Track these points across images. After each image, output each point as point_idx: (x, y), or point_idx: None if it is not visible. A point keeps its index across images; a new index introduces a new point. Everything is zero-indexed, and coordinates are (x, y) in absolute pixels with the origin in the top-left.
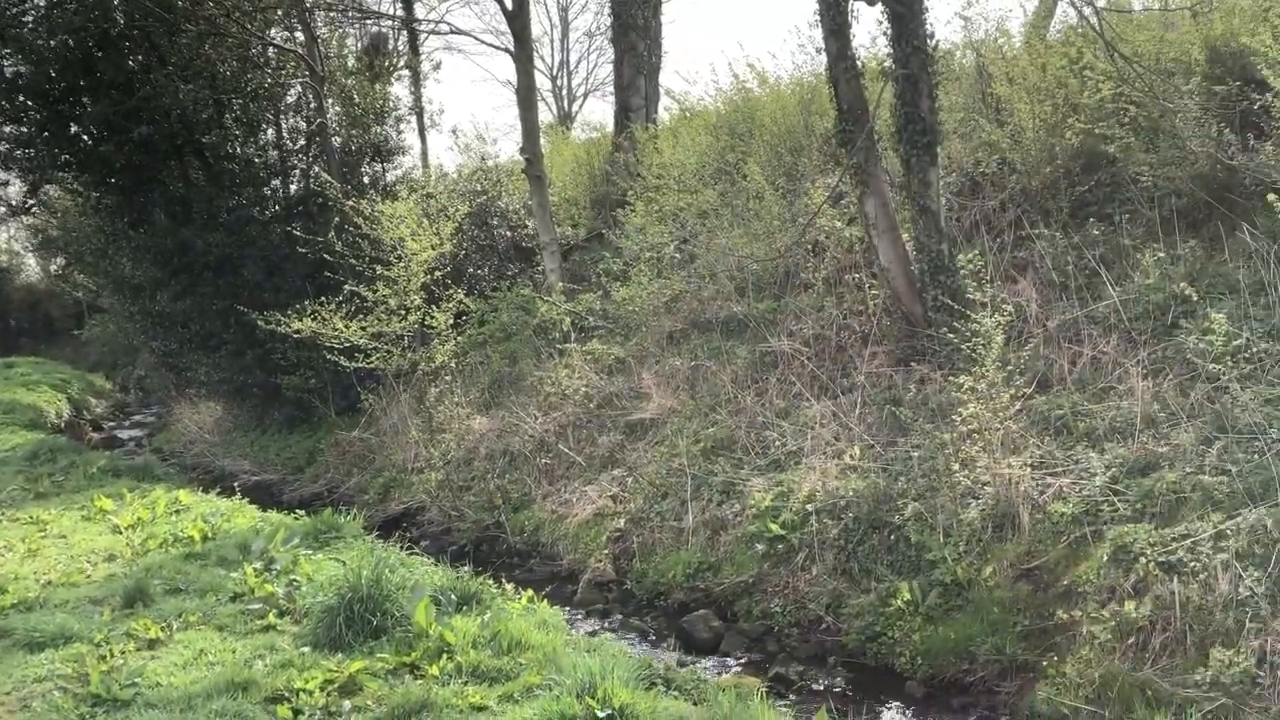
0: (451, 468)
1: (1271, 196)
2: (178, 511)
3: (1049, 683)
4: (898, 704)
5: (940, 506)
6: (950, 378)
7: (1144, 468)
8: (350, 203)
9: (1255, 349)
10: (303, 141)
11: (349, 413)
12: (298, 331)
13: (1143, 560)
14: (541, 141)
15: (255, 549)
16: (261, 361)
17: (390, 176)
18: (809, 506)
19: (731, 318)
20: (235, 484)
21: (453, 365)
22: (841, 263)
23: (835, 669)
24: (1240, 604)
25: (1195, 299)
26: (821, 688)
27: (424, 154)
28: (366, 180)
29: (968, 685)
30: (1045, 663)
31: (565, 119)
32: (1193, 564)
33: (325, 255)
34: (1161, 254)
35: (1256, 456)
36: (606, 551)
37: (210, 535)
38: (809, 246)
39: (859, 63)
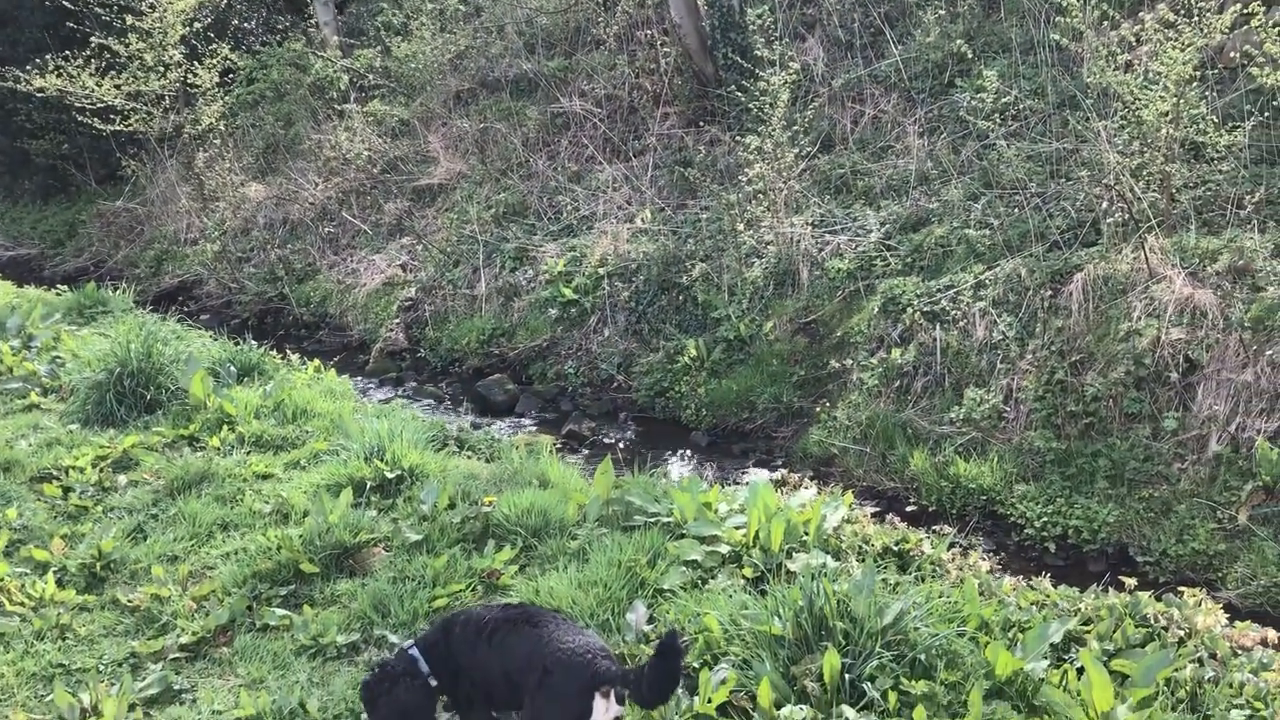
0: (228, 238)
1: None
2: None
3: (821, 426)
4: (684, 451)
5: (726, 266)
6: (739, 139)
7: (916, 223)
8: None
9: (1022, 106)
10: None
11: (111, 181)
12: (41, 90)
13: (910, 310)
14: None
15: (11, 326)
16: (2, 124)
17: None
18: (601, 270)
19: (521, 76)
20: None
21: (221, 128)
22: (633, 18)
23: (626, 424)
24: (994, 347)
25: (971, 57)
26: (612, 441)
27: None
28: None
29: (748, 432)
30: (819, 408)
31: None
32: (954, 312)
33: (66, 3)
34: (942, 11)
35: (1016, 210)
36: (398, 320)
37: None
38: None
39: None
